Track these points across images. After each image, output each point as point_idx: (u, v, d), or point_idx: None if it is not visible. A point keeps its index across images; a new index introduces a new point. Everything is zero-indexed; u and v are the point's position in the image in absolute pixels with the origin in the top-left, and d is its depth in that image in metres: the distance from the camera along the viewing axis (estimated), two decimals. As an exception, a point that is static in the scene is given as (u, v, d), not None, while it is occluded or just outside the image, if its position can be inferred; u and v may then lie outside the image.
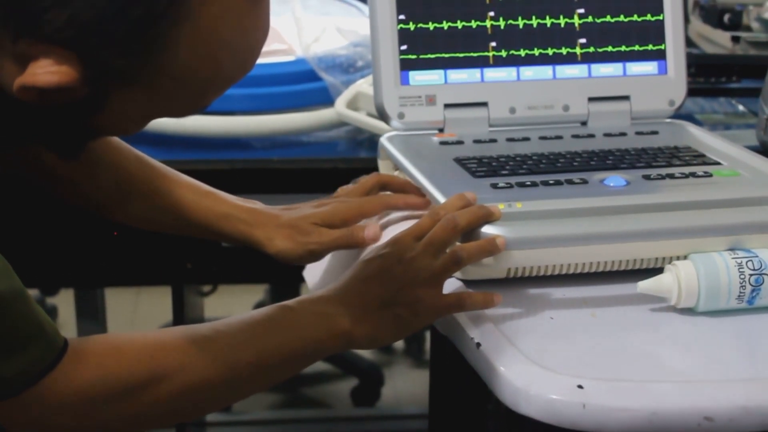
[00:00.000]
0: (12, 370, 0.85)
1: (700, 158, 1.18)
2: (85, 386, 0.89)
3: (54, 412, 0.89)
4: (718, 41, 1.96)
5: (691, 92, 1.34)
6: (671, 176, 1.12)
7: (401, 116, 1.24)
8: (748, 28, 1.97)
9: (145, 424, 0.95)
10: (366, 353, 2.78)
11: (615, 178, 1.11)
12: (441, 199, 1.07)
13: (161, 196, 1.18)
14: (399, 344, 2.87)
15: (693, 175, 1.13)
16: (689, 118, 1.61)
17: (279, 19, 1.82)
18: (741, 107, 1.80)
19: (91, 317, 2.35)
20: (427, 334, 2.72)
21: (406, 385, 2.70)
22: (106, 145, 1.17)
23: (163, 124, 1.58)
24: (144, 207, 1.18)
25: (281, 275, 1.28)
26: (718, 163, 1.17)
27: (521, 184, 1.09)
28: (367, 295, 0.97)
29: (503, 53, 1.27)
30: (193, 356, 0.92)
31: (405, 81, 1.24)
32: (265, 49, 1.70)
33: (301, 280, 1.29)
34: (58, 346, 0.88)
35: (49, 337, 0.88)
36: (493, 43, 1.26)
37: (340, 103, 1.57)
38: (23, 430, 0.90)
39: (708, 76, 1.84)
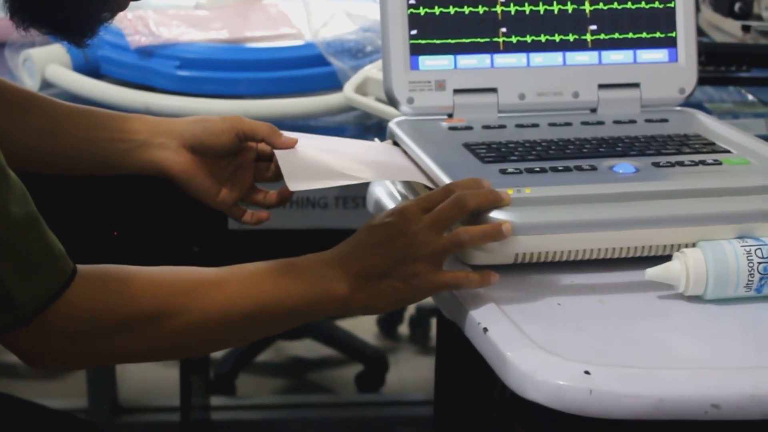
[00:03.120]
0: (24, 296, 0.87)
1: (709, 146, 1.18)
2: (88, 315, 0.91)
3: (57, 339, 0.91)
4: (729, 30, 1.95)
5: (701, 81, 1.33)
6: (681, 164, 1.12)
7: (410, 101, 1.24)
8: (759, 17, 1.96)
9: (141, 357, 0.99)
10: (371, 339, 2.78)
11: (624, 165, 1.11)
12: (449, 184, 1.06)
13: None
14: (404, 330, 2.87)
15: (702, 162, 1.12)
16: (698, 106, 1.60)
17: (288, 3, 1.82)
18: (750, 96, 1.79)
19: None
20: (433, 321, 2.73)
21: (411, 371, 2.70)
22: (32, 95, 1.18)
23: (172, 108, 1.58)
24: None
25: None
26: (728, 152, 1.16)
27: (530, 170, 1.09)
28: (367, 264, 0.99)
29: (513, 39, 1.26)
30: (194, 300, 0.95)
31: (415, 66, 1.24)
32: (273, 33, 1.73)
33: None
34: (67, 273, 0.90)
35: (60, 263, 0.90)
36: (504, 29, 1.26)
37: (349, 87, 1.57)
38: (27, 357, 0.93)
39: (718, 65, 1.84)
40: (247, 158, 1.20)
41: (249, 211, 1.21)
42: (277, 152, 1.13)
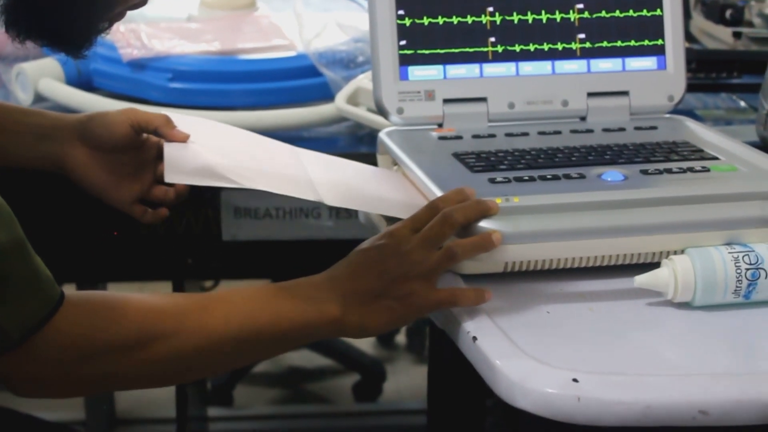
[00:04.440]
0: (11, 321, 0.87)
1: (698, 153, 1.18)
2: (76, 340, 0.91)
3: (45, 365, 0.91)
4: (720, 37, 1.96)
5: (693, 88, 1.34)
6: (669, 171, 1.12)
7: (400, 111, 1.24)
8: (750, 24, 1.97)
9: (131, 384, 0.99)
10: (368, 349, 2.78)
11: (612, 173, 1.11)
12: (439, 194, 1.07)
13: None
14: (401, 340, 2.87)
15: (690, 170, 1.13)
16: (690, 113, 1.61)
17: (280, 14, 1.83)
18: (742, 103, 1.80)
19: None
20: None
21: (408, 381, 2.70)
22: None
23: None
24: None
25: (283, 270, 1.28)
26: (716, 158, 1.17)
27: (519, 179, 1.09)
28: (361, 285, 0.98)
29: (502, 49, 1.27)
30: (185, 324, 0.95)
31: (404, 76, 1.24)
32: (266, 44, 1.73)
33: (304, 275, 1.29)
34: (54, 299, 0.90)
35: (47, 289, 0.90)
36: (492, 39, 1.26)
37: (341, 98, 1.58)
38: (15, 383, 0.92)
39: (709, 71, 1.84)
40: (148, 155, 1.20)
41: (149, 210, 1.21)
42: (165, 143, 1.13)
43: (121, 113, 1.18)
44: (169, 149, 1.10)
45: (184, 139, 1.13)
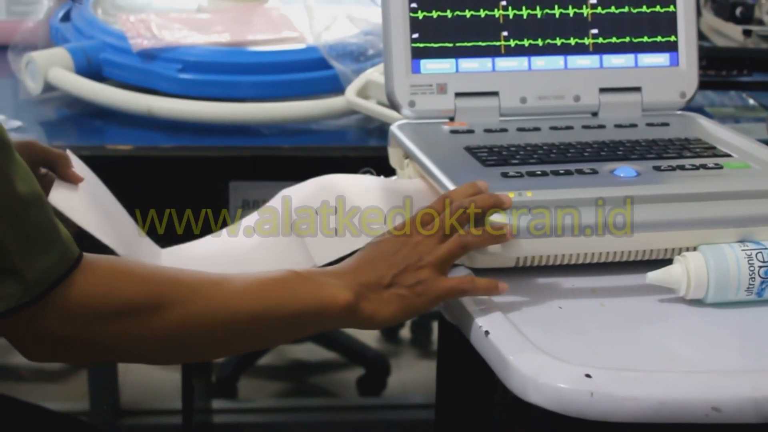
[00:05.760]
0: (33, 273, 0.87)
1: (710, 150, 1.18)
2: (91, 300, 0.91)
3: (61, 323, 0.90)
4: (730, 34, 1.96)
5: (702, 85, 1.33)
6: (681, 168, 1.12)
7: (412, 104, 1.24)
8: (760, 22, 1.97)
9: (140, 350, 0.96)
10: (372, 343, 2.78)
11: (625, 169, 1.11)
12: (451, 187, 1.07)
13: None
14: (405, 334, 2.87)
15: (703, 166, 1.13)
16: (700, 111, 1.60)
17: (290, 6, 1.83)
18: (751, 101, 1.80)
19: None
20: (434, 324, 2.73)
21: (413, 375, 2.70)
22: None
23: (174, 110, 1.58)
24: None
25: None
26: (729, 156, 1.16)
27: (531, 174, 1.09)
28: (373, 274, 0.99)
29: (515, 43, 1.26)
30: (198, 293, 0.95)
31: (416, 69, 1.24)
32: (276, 36, 1.73)
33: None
34: (73, 256, 0.90)
35: (66, 245, 0.90)
36: (505, 33, 1.26)
37: (351, 91, 1.58)
38: (28, 343, 0.92)
39: (719, 69, 1.84)
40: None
41: None
42: (56, 181, 1.13)
43: (21, 146, 1.14)
44: (59, 183, 1.12)
45: (77, 180, 1.14)
